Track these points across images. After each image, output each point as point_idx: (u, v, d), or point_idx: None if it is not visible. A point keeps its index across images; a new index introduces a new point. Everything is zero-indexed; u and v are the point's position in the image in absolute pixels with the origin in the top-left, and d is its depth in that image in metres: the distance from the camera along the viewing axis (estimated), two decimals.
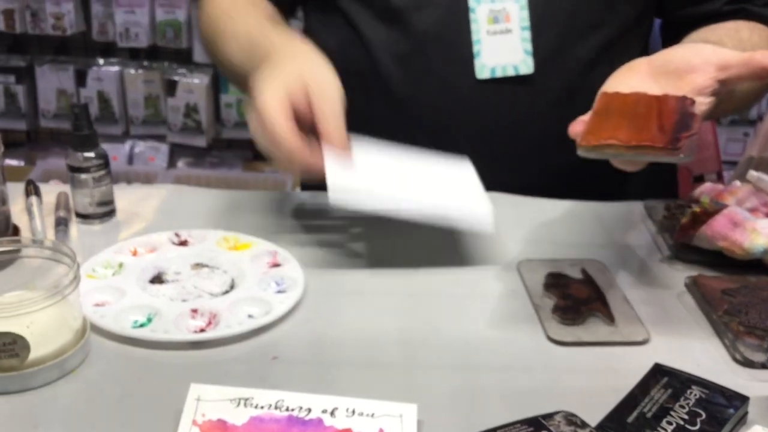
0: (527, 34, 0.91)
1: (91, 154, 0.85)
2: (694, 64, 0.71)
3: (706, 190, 0.86)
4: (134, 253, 0.77)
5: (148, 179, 2.47)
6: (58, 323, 0.61)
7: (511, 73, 0.92)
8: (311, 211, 0.89)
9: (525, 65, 0.92)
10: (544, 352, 0.67)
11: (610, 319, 0.71)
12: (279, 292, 0.73)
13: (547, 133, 0.95)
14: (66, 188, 0.88)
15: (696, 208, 0.79)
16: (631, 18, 0.95)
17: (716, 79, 0.70)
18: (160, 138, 2.53)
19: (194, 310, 0.69)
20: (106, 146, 2.74)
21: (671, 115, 0.67)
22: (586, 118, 0.71)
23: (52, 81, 2.48)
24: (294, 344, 0.67)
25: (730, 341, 0.67)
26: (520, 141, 0.95)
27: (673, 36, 0.98)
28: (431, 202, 0.77)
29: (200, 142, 2.49)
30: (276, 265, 0.77)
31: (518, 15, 0.91)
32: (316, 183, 0.77)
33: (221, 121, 2.50)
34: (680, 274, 0.78)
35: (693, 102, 0.68)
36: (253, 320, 0.68)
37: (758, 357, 0.65)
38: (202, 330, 0.67)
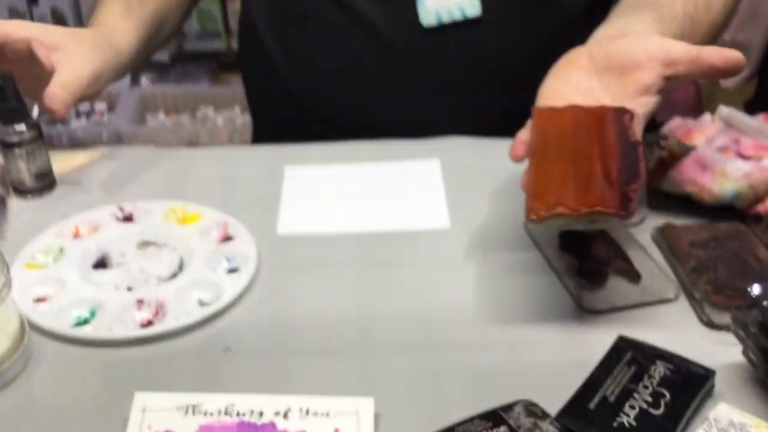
0: None
1: (22, 127, 0.79)
2: (638, 61, 0.66)
3: (675, 126, 0.82)
4: (76, 234, 0.74)
5: (110, 98, 2.40)
6: None
7: (457, 17, 0.86)
8: (263, 170, 0.85)
9: (471, 6, 0.86)
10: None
11: (635, 276, 0.68)
12: (230, 270, 0.70)
13: (501, 71, 0.90)
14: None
15: (663, 153, 0.75)
16: None
17: (662, 76, 0.65)
18: None
19: (140, 301, 0.65)
20: None
21: (615, 157, 0.62)
22: (524, 135, 0.66)
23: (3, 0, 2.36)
24: (246, 332, 0.64)
25: (698, 302, 0.65)
26: (470, 84, 0.90)
27: None
28: (385, 219, 0.77)
29: (162, 56, 2.39)
30: (227, 238, 0.73)
31: None
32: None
33: (182, 33, 2.40)
34: (649, 222, 0.75)
35: (632, 117, 0.64)
36: (203, 309, 0.65)
37: (725, 319, 0.63)
38: (149, 322, 0.64)
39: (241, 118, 2.40)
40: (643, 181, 0.61)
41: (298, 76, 0.96)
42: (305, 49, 0.93)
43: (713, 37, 0.86)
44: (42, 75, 0.76)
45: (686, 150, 0.75)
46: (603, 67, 0.68)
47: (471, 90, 0.91)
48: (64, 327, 0.63)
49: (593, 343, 0.62)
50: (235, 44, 2.33)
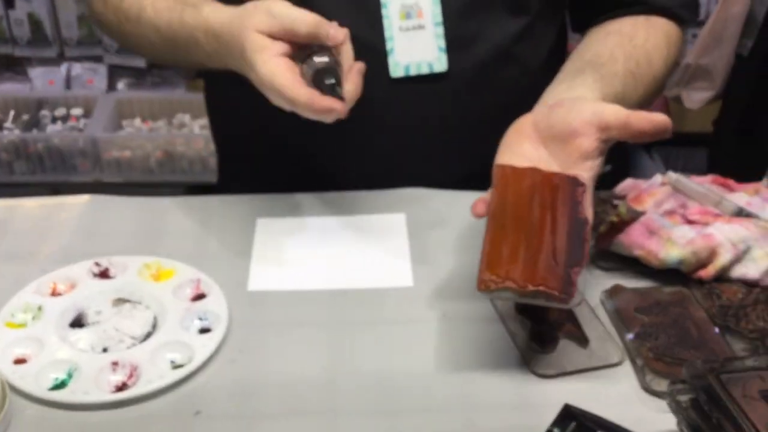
0: (440, 30, 0.89)
1: None
2: (575, 128, 0.71)
3: (627, 187, 0.87)
4: (54, 291, 0.77)
5: (87, 103, 2.41)
6: None
7: (425, 71, 0.90)
8: (235, 219, 0.88)
9: (439, 62, 0.90)
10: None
11: (584, 341, 0.73)
12: (202, 330, 0.73)
13: (464, 122, 0.94)
14: None
15: (613, 217, 0.80)
16: (544, 4, 0.93)
17: (599, 140, 0.71)
18: (98, 59, 2.44)
19: (115, 363, 0.69)
20: (41, 70, 2.61)
21: (563, 233, 0.67)
22: (486, 197, 0.70)
23: None
24: (216, 394, 0.68)
25: (639, 369, 0.70)
26: (435, 134, 0.94)
27: (579, 20, 0.97)
28: (352, 276, 0.81)
29: (139, 62, 2.41)
30: (199, 296, 0.77)
31: (431, 10, 0.88)
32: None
33: None
34: (600, 282, 0.80)
35: (584, 191, 0.70)
36: (175, 372, 0.68)
37: (665, 386, 0.68)
38: (124, 384, 0.68)
39: None
40: (585, 263, 0.66)
41: (264, 120, 0.99)
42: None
43: (657, 89, 0.91)
44: None
45: (636, 215, 0.79)
46: (547, 136, 0.74)
47: (436, 140, 0.95)
48: (43, 390, 0.66)
49: (543, 407, 0.66)
50: None
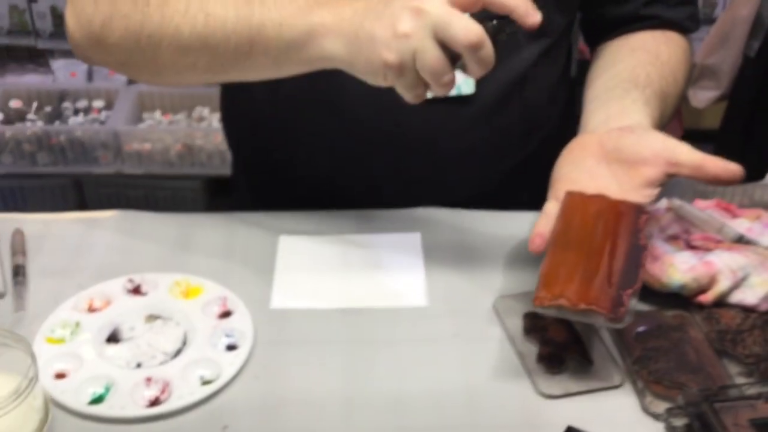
0: None
1: None
2: (645, 157, 0.77)
3: None
4: (90, 307, 0.82)
5: (108, 95, 2.46)
6: (22, 418, 0.66)
7: (453, 93, 0.93)
8: (258, 236, 0.93)
9: (466, 85, 0.93)
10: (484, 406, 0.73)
11: (588, 362, 0.77)
12: (229, 347, 0.78)
13: (484, 143, 0.98)
14: (20, 219, 0.91)
15: None
16: (563, 26, 0.97)
17: (666, 174, 0.76)
18: None
19: (148, 379, 0.74)
20: (63, 63, 2.65)
21: (621, 257, 0.73)
22: (541, 228, 0.76)
23: None
24: (242, 410, 0.73)
25: (640, 391, 0.74)
26: (458, 154, 0.98)
27: (592, 34, 1.00)
28: (368, 295, 0.85)
29: None
30: (226, 313, 0.82)
31: None
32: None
33: None
34: None
35: (647, 219, 0.75)
36: (204, 387, 0.73)
37: (661, 409, 0.72)
38: (157, 399, 0.73)
39: None
40: (639, 287, 0.72)
41: (283, 140, 1.03)
42: (298, 122, 1.00)
43: (679, 105, 0.95)
44: None
45: None
46: (613, 158, 0.79)
47: (455, 161, 0.99)
48: (82, 404, 0.72)
49: (548, 427, 0.71)
50: None
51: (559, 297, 0.70)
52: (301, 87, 0.95)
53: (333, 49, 0.73)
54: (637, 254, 0.74)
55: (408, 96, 0.73)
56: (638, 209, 0.76)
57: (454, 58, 0.70)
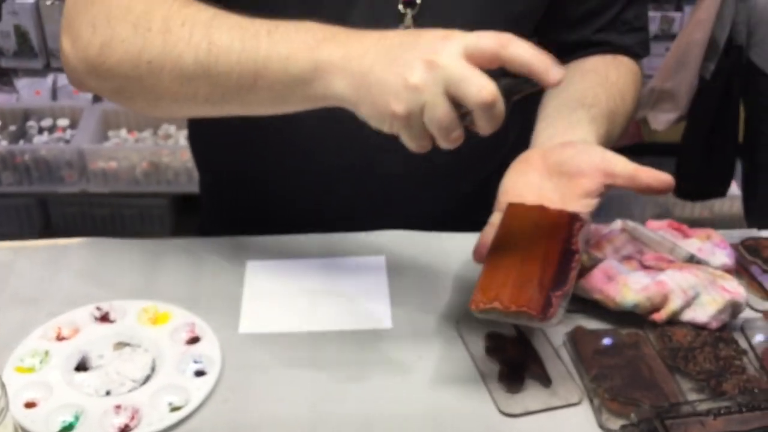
0: None
1: None
2: (583, 169, 0.80)
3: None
4: (59, 336, 0.83)
5: (73, 114, 2.46)
6: None
7: None
8: (225, 261, 0.95)
9: None
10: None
11: (547, 380, 0.80)
12: (197, 373, 0.79)
13: (445, 165, 1.00)
14: None
15: None
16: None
17: (603, 184, 0.80)
18: None
19: (117, 406, 0.75)
20: (27, 81, 2.64)
21: (553, 262, 0.76)
22: (487, 239, 0.79)
23: None
24: None
25: (596, 408, 0.77)
26: (419, 177, 1.00)
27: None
28: (334, 318, 0.87)
29: None
30: (194, 339, 0.83)
31: None
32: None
33: None
34: (563, 323, 0.86)
35: (581, 226, 0.79)
36: (173, 414, 0.75)
37: (617, 425, 0.75)
38: (126, 426, 0.74)
39: None
40: (569, 288, 0.75)
41: (246, 163, 1.05)
42: (260, 143, 1.02)
43: (629, 123, 1.00)
44: None
45: (595, 262, 0.87)
46: (555, 171, 0.83)
47: (416, 183, 1.02)
48: None
49: None
50: None
51: (493, 300, 0.74)
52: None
53: (339, 89, 0.71)
54: (569, 258, 0.77)
55: (412, 146, 0.71)
56: (573, 217, 0.80)
57: (464, 113, 0.69)
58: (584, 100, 0.92)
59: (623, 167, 0.80)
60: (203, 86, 0.77)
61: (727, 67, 1.70)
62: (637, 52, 1.03)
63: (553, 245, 0.78)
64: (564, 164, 0.82)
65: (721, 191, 1.89)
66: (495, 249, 0.79)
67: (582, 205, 0.81)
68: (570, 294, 0.77)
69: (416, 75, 0.66)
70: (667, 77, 1.81)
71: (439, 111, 0.67)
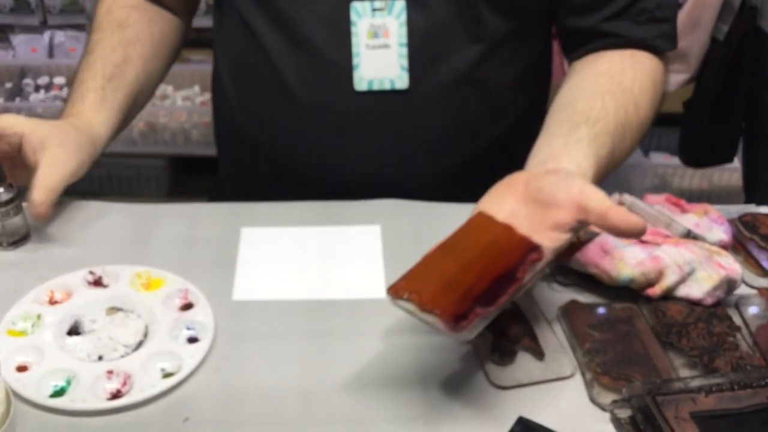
0: (404, 51, 0.95)
1: (0, 190, 0.87)
2: (558, 200, 0.73)
3: None
4: (51, 300, 0.82)
5: (69, 72, 2.43)
6: None
7: (387, 87, 0.96)
8: (220, 229, 0.94)
9: (400, 80, 0.96)
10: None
11: (540, 354, 0.79)
12: (190, 340, 0.79)
13: (427, 139, 1.00)
14: None
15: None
16: (502, 32, 0.97)
17: (576, 219, 0.73)
18: (80, 27, 2.46)
19: (110, 372, 0.75)
20: (23, 38, 2.62)
21: (489, 280, 0.70)
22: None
23: None
24: (204, 402, 0.74)
25: (588, 382, 0.77)
26: (402, 147, 1.00)
27: (563, 45, 1.01)
28: (328, 287, 0.87)
29: None
30: (187, 306, 0.83)
31: (397, 32, 0.94)
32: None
33: None
34: (558, 296, 0.86)
35: (535, 259, 0.72)
36: (165, 381, 0.75)
37: (608, 400, 0.75)
38: (118, 392, 0.74)
39: (200, 97, 2.45)
40: (492, 311, 0.69)
41: (254, 128, 1.05)
42: (258, 103, 1.03)
43: (643, 133, 0.93)
44: (30, 165, 0.87)
45: (591, 236, 0.86)
46: (531, 198, 0.76)
47: (404, 150, 1.01)
48: (44, 397, 0.73)
49: (500, 418, 0.73)
50: (195, 22, 2.37)
51: (413, 293, 0.69)
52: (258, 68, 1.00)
53: None
54: (507, 283, 0.71)
55: None
56: (532, 248, 0.73)
57: None
58: (590, 114, 0.86)
59: (597, 204, 0.73)
60: None
61: (740, 29, 1.67)
62: (659, 46, 0.96)
63: (498, 265, 0.71)
64: (542, 192, 0.75)
65: (727, 157, 1.87)
66: (442, 247, 0.74)
67: (549, 238, 0.74)
68: (490, 317, 0.71)
69: None
70: (680, 37, 1.79)
71: None
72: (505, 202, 0.76)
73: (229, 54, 1.05)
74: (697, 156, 1.88)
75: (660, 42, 0.96)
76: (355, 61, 0.95)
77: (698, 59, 1.82)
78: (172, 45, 1.08)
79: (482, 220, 0.76)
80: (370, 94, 0.96)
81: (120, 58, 0.99)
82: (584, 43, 0.96)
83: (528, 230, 0.74)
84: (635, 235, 0.73)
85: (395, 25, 0.94)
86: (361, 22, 0.93)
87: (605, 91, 0.89)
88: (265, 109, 1.03)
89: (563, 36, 1.01)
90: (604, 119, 0.86)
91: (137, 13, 1.03)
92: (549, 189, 0.75)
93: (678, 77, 1.88)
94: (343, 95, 0.97)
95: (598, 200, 0.73)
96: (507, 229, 0.74)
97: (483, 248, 0.73)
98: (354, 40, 0.94)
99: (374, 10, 0.93)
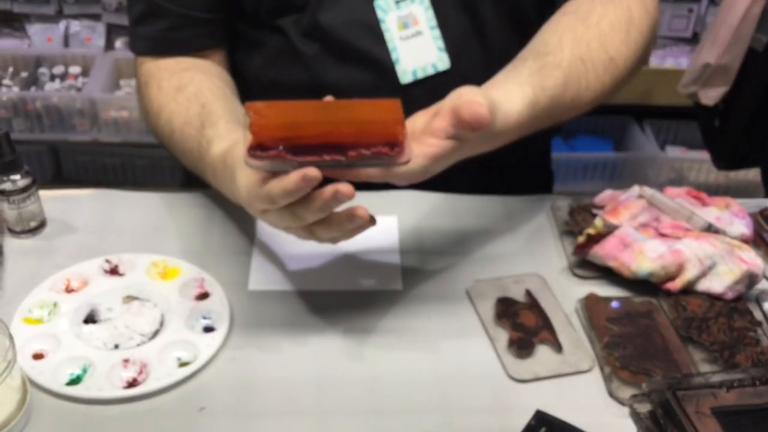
0: (437, 33, 0.94)
1: (17, 177, 0.87)
2: (442, 108, 0.72)
3: (605, 198, 0.92)
4: (68, 288, 0.82)
5: (85, 61, 2.43)
6: (1, 398, 0.67)
7: (430, 72, 0.95)
8: (237, 216, 0.94)
9: (441, 62, 0.95)
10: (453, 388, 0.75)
11: (558, 347, 0.79)
12: (206, 329, 0.79)
13: None
14: None
15: (590, 230, 0.86)
16: (537, 4, 0.96)
17: (449, 124, 0.70)
18: (96, 17, 2.46)
19: (126, 360, 0.75)
20: (39, 27, 2.62)
21: (323, 139, 0.66)
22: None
23: None
24: (219, 391, 0.74)
25: (607, 376, 0.76)
26: None
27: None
28: (344, 278, 0.86)
29: None
30: (203, 295, 0.82)
31: (425, 16, 0.93)
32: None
33: None
34: (576, 290, 0.86)
35: (383, 152, 0.67)
36: (181, 370, 0.74)
37: (627, 394, 0.74)
38: (134, 380, 0.74)
39: None
40: (289, 162, 0.66)
41: None
42: None
43: (618, 70, 0.88)
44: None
45: (611, 228, 0.85)
46: (432, 113, 0.74)
47: None
48: (60, 385, 0.73)
49: (518, 411, 0.73)
50: None
51: (257, 112, 0.66)
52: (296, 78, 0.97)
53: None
54: (331, 151, 0.66)
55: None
56: (391, 142, 0.67)
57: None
58: (542, 49, 0.84)
59: (450, 101, 0.70)
60: (173, 151, 0.95)
61: None
62: None
63: (342, 135, 0.67)
64: (443, 104, 0.73)
65: (763, 161, 1.86)
66: (331, 101, 0.71)
67: (424, 143, 0.71)
68: (289, 168, 0.66)
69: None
70: (724, 52, 1.76)
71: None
72: (419, 117, 0.74)
73: (258, 68, 1.01)
74: (734, 162, 1.86)
75: None
76: (393, 56, 0.94)
77: (736, 71, 1.80)
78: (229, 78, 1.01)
79: (386, 105, 0.70)
80: (416, 84, 0.95)
81: (198, 107, 0.90)
82: None
83: (411, 137, 0.70)
84: (480, 125, 0.69)
85: (421, 10, 0.93)
86: (388, 17, 0.93)
87: (565, 28, 0.87)
88: None
89: None
90: (556, 53, 0.84)
91: (187, 74, 0.94)
92: (446, 100, 0.73)
93: (718, 90, 1.85)
94: (390, 93, 0.94)
95: (459, 95, 0.70)
96: (391, 122, 0.69)
97: (353, 118, 0.69)
98: (387, 35, 0.93)
99: (397, 2, 0.92)
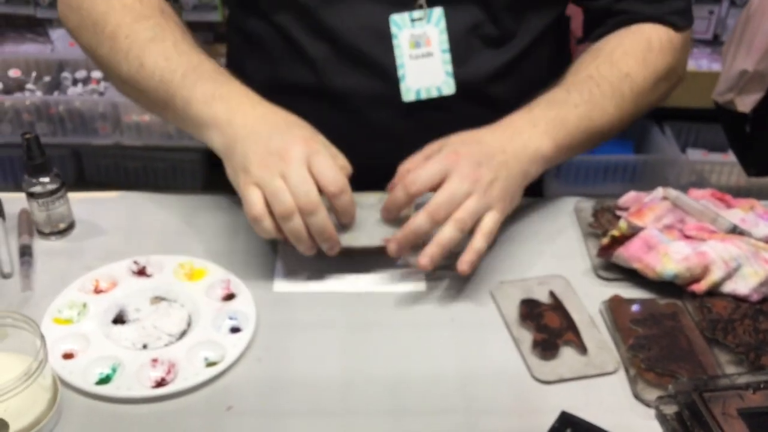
0: (447, 57, 0.94)
1: (46, 179, 0.88)
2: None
3: (629, 200, 0.92)
4: (97, 288, 0.83)
5: None
6: (32, 397, 0.69)
7: (434, 94, 0.95)
8: None
9: (447, 86, 0.95)
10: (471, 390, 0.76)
11: (582, 349, 0.79)
12: (233, 330, 0.80)
13: (478, 119, 0.99)
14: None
15: (614, 231, 0.86)
16: (539, 29, 0.98)
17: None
18: None
19: (154, 360, 0.76)
20: (62, 32, 2.65)
21: None
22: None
23: None
24: (245, 391, 0.75)
25: (632, 378, 0.76)
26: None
27: (585, 27, 1.02)
28: (369, 279, 0.88)
29: None
30: (230, 296, 0.83)
31: (438, 39, 0.93)
32: None
33: (179, 3, 2.45)
34: (600, 291, 0.86)
35: None
36: (209, 369, 0.75)
37: (653, 396, 0.74)
38: (163, 380, 0.75)
39: None
40: None
41: None
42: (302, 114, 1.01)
43: (638, 84, 0.93)
44: None
45: (635, 230, 0.85)
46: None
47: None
48: (90, 384, 0.74)
49: (542, 412, 0.73)
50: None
51: None
52: (301, 79, 0.97)
53: (215, 144, 0.83)
54: None
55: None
56: None
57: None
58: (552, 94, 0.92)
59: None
60: (134, 92, 0.92)
61: None
62: (673, 22, 0.96)
63: None
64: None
65: None
66: None
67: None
68: None
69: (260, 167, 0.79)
70: (760, 59, 1.75)
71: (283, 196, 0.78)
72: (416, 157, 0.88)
73: (260, 66, 1.02)
74: (765, 169, 1.85)
75: (674, 18, 0.96)
76: (400, 72, 0.94)
77: None
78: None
79: None
80: (417, 104, 0.95)
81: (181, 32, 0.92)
82: (599, 24, 0.98)
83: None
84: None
85: (435, 33, 0.93)
86: (402, 33, 0.93)
87: (580, 60, 0.94)
88: (309, 118, 1.01)
89: (584, 20, 1.01)
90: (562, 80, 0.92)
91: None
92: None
93: (754, 96, 1.84)
94: (390, 107, 0.96)
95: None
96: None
97: None
98: (397, 51, 0.93)
99: (413, 20, 0.93)
